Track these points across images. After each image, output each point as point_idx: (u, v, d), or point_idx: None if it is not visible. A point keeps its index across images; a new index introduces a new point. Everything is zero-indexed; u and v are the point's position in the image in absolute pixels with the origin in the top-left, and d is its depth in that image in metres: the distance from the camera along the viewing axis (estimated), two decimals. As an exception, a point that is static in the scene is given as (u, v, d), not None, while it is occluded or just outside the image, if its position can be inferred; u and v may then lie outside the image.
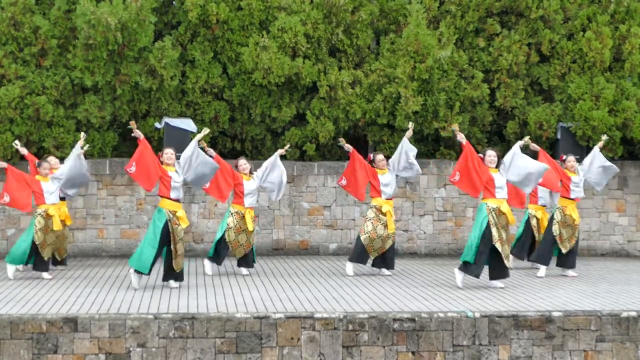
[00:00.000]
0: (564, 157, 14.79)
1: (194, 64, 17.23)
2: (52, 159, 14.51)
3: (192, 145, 13.02)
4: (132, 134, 12.91)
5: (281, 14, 17.13)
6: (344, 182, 14.61)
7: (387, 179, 14.35)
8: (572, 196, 14.48)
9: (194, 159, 12.99)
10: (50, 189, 13.85)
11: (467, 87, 17.37)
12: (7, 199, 13.79)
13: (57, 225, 13.83)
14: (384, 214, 14.25)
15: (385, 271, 14.47)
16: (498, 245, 12.85)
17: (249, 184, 14.33)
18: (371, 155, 14.48)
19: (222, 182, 14.13)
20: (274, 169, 14.64)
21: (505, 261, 13.01)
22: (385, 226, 14.24)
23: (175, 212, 12.78)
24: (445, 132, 17.08)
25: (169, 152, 12.95)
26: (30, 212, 14.43)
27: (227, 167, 14.23)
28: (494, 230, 12.86)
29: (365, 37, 17.48)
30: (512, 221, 13.10)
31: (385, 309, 11.29)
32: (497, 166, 13.09)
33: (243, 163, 14.46)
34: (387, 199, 14.35)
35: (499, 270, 13.10)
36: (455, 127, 13.42)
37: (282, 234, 17.22)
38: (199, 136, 13.13)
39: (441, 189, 17.37)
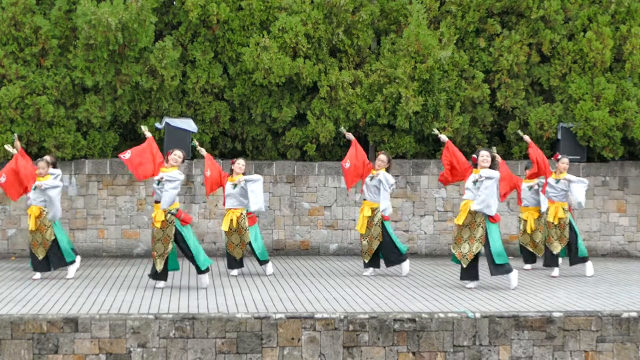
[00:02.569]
0: (559, 157, 14.74)
1: (195, 64, 17.23)
2: (48, 159, 14.41)
3: None
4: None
5: (282, 14, 17.13)
6: (347, 164, 14.40)
7: (370, 181, 14.26)
8: (548, 196, 14.45)
9: None
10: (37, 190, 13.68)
11: (468, 87, 17.37)
12: (2, 179, 13.66)
13: (31, 225, 13.62)
14: (365, 216, 14.24)
15: (376, 270, 14.51)
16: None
17: (229, 186, 14.22)
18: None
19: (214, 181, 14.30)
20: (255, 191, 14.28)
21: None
22: (368, 227, 14.24)
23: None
24: (446, 133, 17.06)
25: (176, 155, 12.80)
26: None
27: (218, 168, 14.39)
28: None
29: (365, 38, 17.47)
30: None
31: (385, 309, 11.29)
32: (492, 167, 12.99)
33: (239, 163, 14.35)
34: (364, 200, 14.34)
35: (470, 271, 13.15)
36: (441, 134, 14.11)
37: (283, 234, 17.21)
38: None
39: (441, 189, 17.36)
